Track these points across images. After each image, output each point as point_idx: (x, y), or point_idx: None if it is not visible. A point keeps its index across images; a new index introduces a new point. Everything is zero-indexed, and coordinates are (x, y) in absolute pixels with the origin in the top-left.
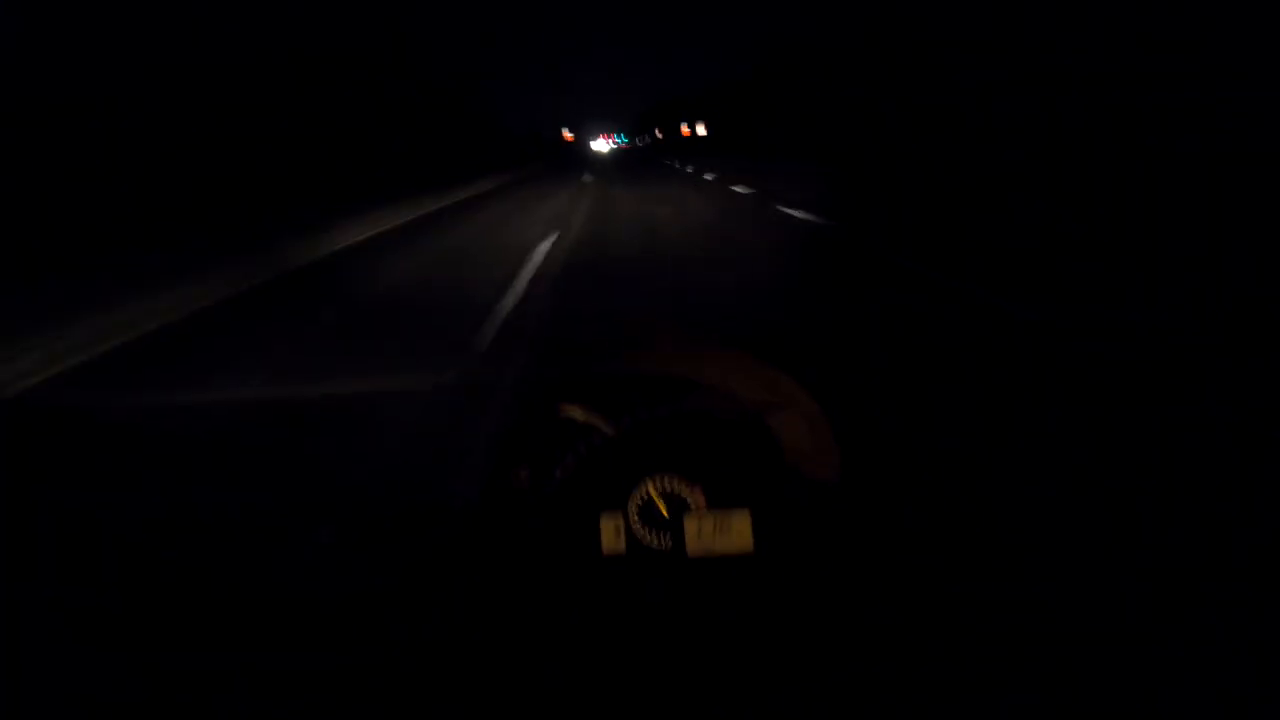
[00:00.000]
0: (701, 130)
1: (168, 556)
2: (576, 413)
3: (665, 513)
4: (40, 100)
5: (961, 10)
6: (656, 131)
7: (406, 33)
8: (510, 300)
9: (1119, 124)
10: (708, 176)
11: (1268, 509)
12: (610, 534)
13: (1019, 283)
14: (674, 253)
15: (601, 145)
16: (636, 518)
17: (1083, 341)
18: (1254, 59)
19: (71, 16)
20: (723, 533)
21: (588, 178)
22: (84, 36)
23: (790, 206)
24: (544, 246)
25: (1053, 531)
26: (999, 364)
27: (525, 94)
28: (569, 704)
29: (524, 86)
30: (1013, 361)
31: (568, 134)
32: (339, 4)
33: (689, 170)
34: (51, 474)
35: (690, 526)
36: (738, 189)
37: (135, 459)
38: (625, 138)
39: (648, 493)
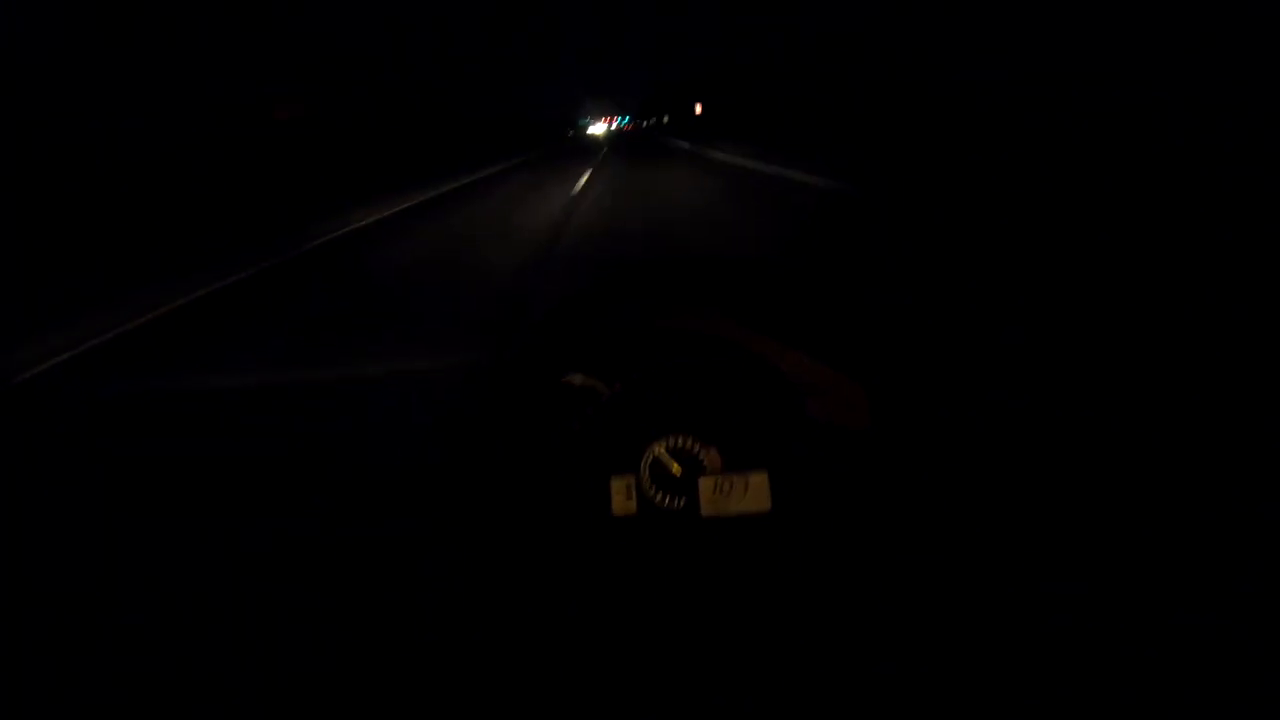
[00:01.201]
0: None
1: (168, 542)
2: (576, 378)
3: (678, 473)
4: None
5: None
6: (697, 107)
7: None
8: None
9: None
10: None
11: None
12: (620, 495)
13: None
14: None
15: (598, 129)
16: (648, 479)
17: None
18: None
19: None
20: (739, 493)
21: None
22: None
23: None
24: None
25: (1073, 519)
26: None
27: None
28: (577, 672)
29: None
30: None
31: None
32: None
33: None
34: (64, 456)
35: (705, 487)
36: None
37: (142, 442)
38: (628, 119)
39: (660, 453)
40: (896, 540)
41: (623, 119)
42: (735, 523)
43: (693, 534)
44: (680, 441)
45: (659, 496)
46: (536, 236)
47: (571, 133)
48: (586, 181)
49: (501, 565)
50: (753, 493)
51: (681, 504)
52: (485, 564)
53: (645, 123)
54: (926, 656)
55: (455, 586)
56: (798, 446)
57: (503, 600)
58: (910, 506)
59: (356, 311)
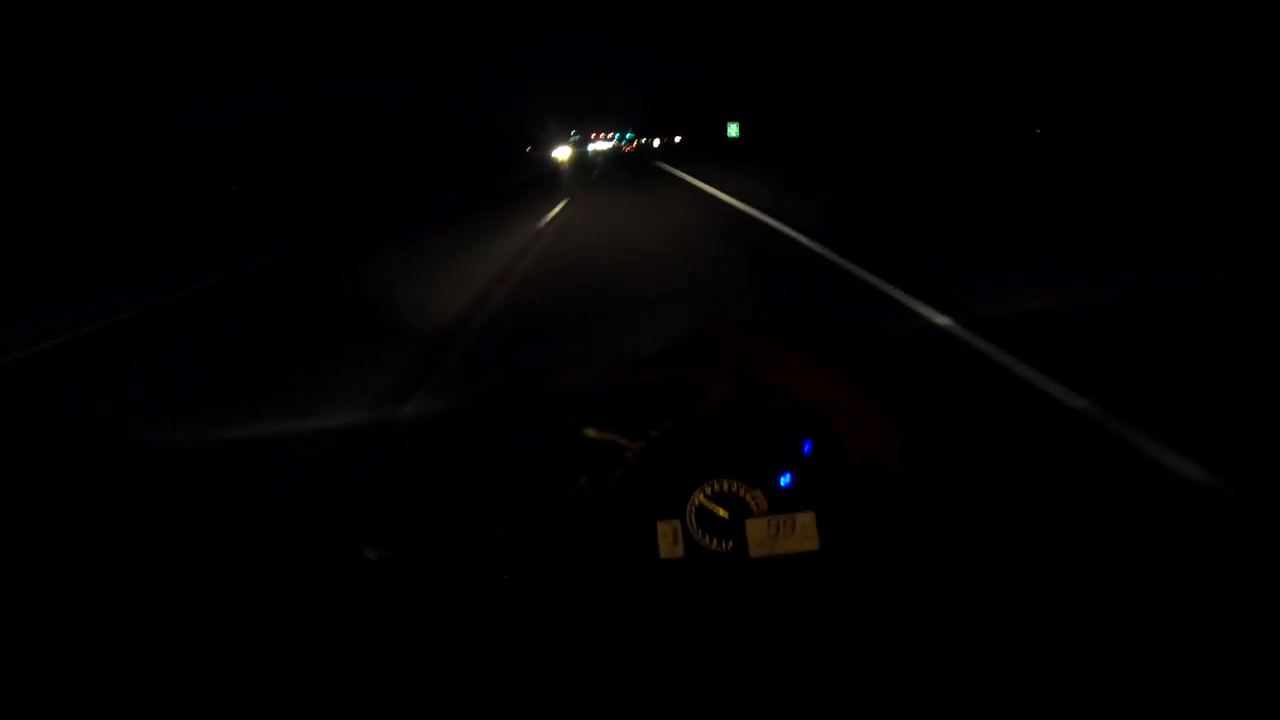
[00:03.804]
0: None
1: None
2: (597, 433)
3: (725, 516)
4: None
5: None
6: (677, 137)
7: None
8: None
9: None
10: None
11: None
12: (667, 540)
13: None
14: None
15: (562, 152)
16: (694, 523)
17: None
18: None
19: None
20: (786, 534)
21: None
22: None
23: None
24: None
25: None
26: None
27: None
28: (625, 708)
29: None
30: None
31: None
32: None
33: None
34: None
35: (753, 528)
36: None
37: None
38: (630, 135)
39: (705, 498)
40: (938, 571)
41: (622, 135)
42: (784, 562)
43: (742, 574)
44: (725, 486)
45: (706, 540)
46: None
47: (530, 147)
48: None
49: (552, 594)
50: (800, 532)
51: (729, 546)
52: (536, 591)
53: (657, 141)
54: (974, 686)
55: (506, 604)
56: (843, 486)
57: (548, 639)
58: (946, 539)
59: None
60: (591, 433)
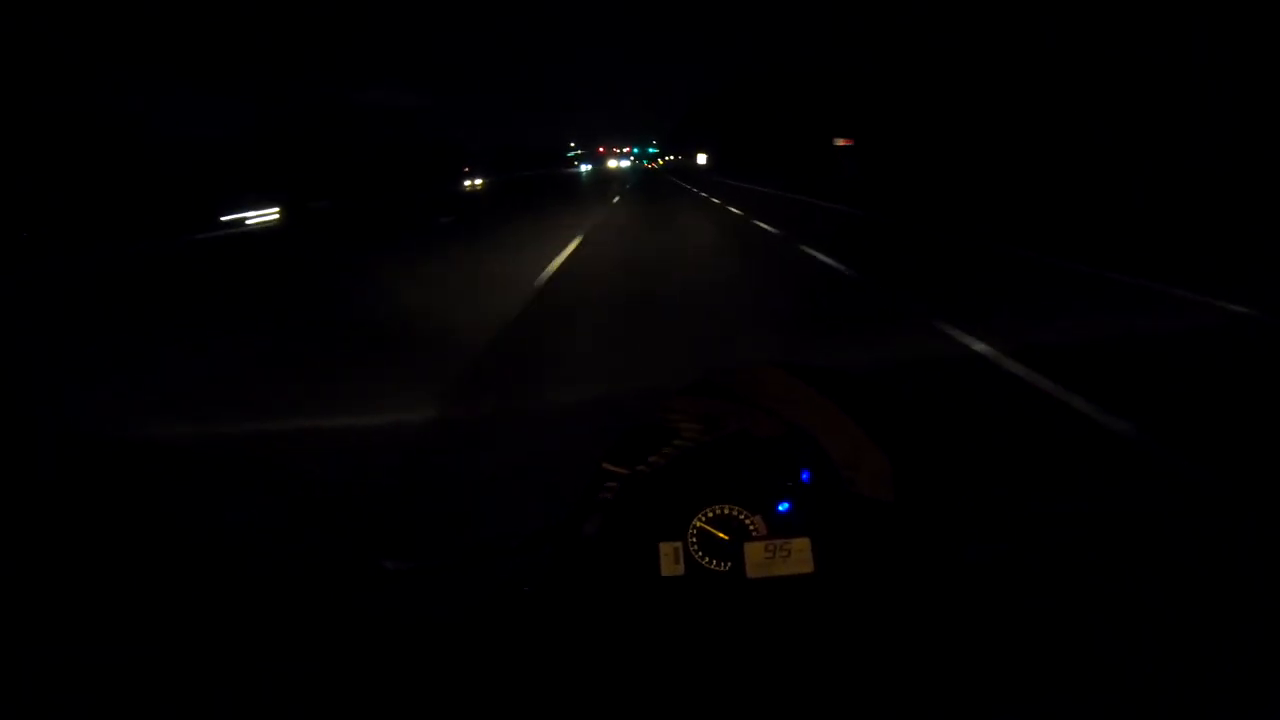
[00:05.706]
0: None
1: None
2: (611, 465)
3: (725, 539)
4: None
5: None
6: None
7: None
8: None
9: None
10: None
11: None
12: (669, 559)
13: None
14: None
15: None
16: (695, 544)
17: None
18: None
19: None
20: (783, 558)
21: None
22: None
23: None
24: None
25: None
26: None
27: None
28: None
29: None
30: None
31: None
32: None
33: None
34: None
35: (751, 551)
36: None
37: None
38: (655, 149)
39: (704, 522)
40: (927, 597)
41: (643, 151)
42: (780, 583)
43: (739, 593)
44: (725, 510)
45: (706, 560)
46: None
47: (467, 169)
48: None
49: (560, 614)
50: (796, 556)
51: (728, 567)
52: (546, 611)
53: (703, 158)
54: (960, 707)
55: (518, 619)
56: (837, 515)
57: (560, 635)
58: (935, 568)
59: None
60: (608, 465)
